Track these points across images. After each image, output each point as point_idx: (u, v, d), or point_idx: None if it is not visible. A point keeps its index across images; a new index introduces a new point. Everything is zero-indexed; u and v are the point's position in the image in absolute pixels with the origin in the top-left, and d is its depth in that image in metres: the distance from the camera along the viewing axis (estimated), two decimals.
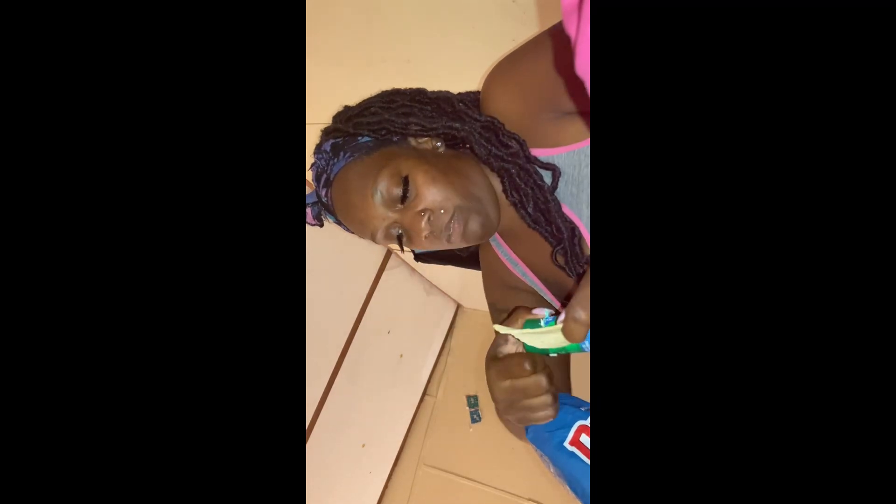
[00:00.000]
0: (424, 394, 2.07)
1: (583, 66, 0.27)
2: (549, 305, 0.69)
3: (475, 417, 1.99)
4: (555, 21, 0.55)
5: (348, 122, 0.62)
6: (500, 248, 0.68)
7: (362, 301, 1.56)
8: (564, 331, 0.40)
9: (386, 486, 1.97)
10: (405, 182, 0.56)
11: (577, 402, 0.53)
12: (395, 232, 0.59)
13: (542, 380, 0.47)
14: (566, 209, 0.59)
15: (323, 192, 0.62)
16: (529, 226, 0.60)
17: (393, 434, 1.98)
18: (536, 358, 0.49)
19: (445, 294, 2.02)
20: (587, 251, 0.61)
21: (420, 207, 0.56)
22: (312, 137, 0.66)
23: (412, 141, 0.60)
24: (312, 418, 1.43)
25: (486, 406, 1.96)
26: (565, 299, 0.67)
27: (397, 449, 2.00)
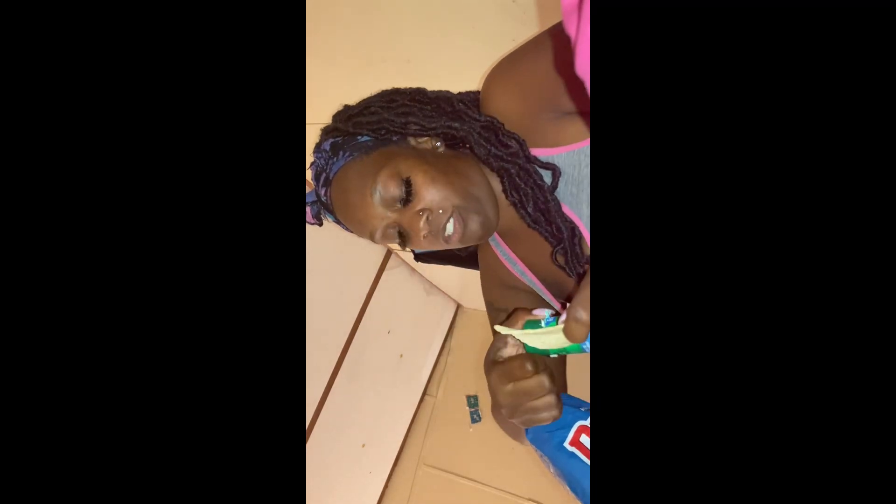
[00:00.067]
0: (424, 394, 2.07)
1: (583, 66, 0.27)
2: (547, 305, 0.69)
3: (475, 417, 1.99)
4: (555, 21, 0.55)
5: (348, 122, 0.62)
6: (499, 248, 0.68)
7: (362, 301, 1.56)
8: (566, 331, 0.40)
9: (386, 486, 1.97)
10: (404, 182, 0.56)
11: (577, 403, 0.53)
12: (393, 232, 0.59)
13: (544, 380, 0.47)
14: (566, 209, 0.59)
15: (322, 192, 0.62)
16: (529, 226, 0.60)
17: (393, 434, 1.98)
18: (537, 359, 0.49)
19: (445, 294, 2.02)
20: (587, 251, 0.60)
21: (419, 207, 0.56)
22: (312, 137, 0.66)
23: (412, 140, 0.60)
24: (312, 418, 1.43)
25: (486, 406, 1.96)
26: (565, 299, 0.67)
27: (397, 449, 2.00)
